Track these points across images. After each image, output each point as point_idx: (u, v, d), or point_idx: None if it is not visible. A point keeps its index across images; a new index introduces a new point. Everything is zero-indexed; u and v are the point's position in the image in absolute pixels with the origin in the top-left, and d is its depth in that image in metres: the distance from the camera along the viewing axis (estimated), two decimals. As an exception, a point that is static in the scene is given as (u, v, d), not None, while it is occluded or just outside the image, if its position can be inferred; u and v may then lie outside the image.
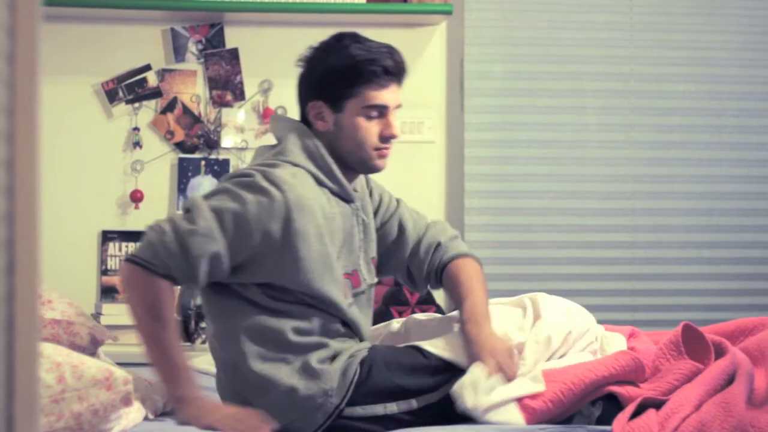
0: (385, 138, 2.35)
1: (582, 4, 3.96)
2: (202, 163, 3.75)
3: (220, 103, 3.77)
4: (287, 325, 2.30)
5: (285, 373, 2.30)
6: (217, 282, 2.30)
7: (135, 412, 2.33)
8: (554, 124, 3.93)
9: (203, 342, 3.57)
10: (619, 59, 3.97)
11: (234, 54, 3.77)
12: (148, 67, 3.75)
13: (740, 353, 2.44)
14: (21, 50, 1.02)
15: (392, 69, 2.35)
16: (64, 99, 3.69)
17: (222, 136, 3.77)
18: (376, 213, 2.54)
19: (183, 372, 2.25)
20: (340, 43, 2.36)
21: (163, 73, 3.75)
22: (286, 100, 3.78)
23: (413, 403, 2.33)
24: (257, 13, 3.72)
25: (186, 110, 3.76)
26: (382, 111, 2.35)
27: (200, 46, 3.76)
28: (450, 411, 2.29)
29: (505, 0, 3.92)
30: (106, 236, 3.72)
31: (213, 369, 3.04)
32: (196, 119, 3.76)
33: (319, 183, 2.34)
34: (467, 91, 3.88)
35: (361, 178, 2.49)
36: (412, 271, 2.58)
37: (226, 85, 3.77)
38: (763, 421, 2.25)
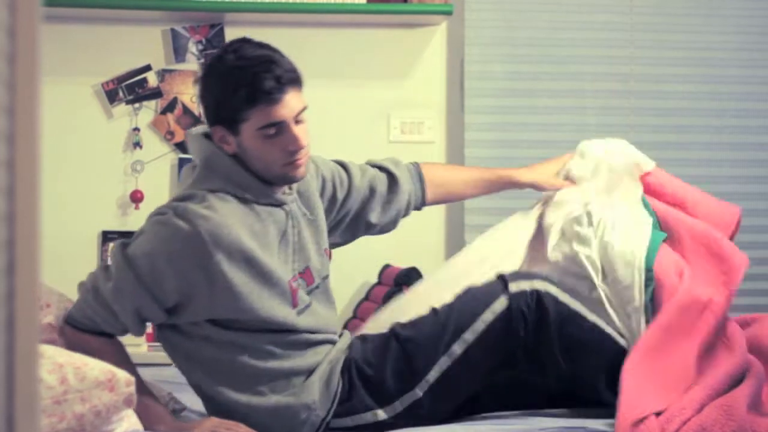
0: (291, 152, 2.25)
1: (582, 4, 3.96)
2: (203, 163, 3.75)
3: (220, 103, 3.77)
4: (246, 355, 2.28)
5: (262, 399, 2.29)
6: (170, 324, 2.31)
7: (135, 414, 2.32)
8: (554, 125, 3.93)
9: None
10: (619, 59, 3.97)
11: (234, 54, 3.77)
12: (148, 68, 3.75)
13: (752, 357, 2.42)
14: (21, 50, 1.02)
15: (271, 86, 2.20)
16: (65, 99, 3.69)
17: (222, 136, 3.77)
18: (323, 195, 2.49)
19: (152, 409, 2.25)
20: (221, 62, 2.25)
21: (163, 74, 3.75)
22: (287, 100, 3.78)
23: (397, 407, 2.31)
24: (257, 14, 3.71)
25: (186, 110, 3.76)
26: (280, 126, 2.23)
27: (200, 47, 3.76)
28: (430, 410, 2.28)
29: (506, 0, 3.92)
30: (107, 236, 3.72)
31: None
32: (197, 119, 3.76)
33: (243, 201, 2.28)
34: (467, 92, 3.88)
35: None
36: (385, 212, 2.61)
37: (227, 86, 3.77)
38: (764, 425, 2.24)
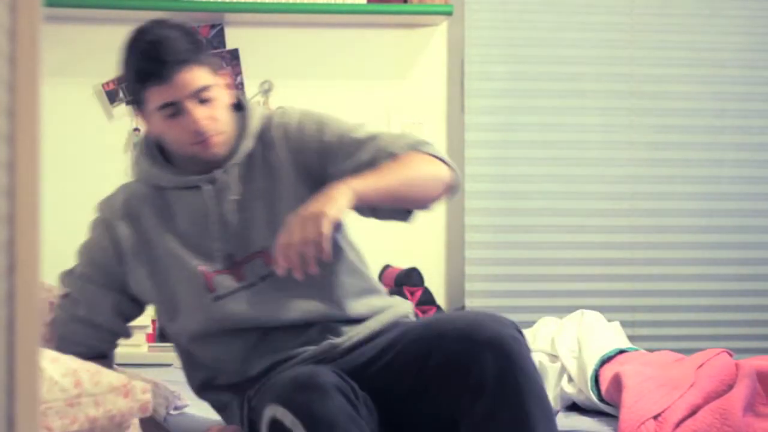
0: (193, 132, 2.14)
1: (582, 4, 3.96)
2: (203, 163, 3.75)
3: (220, 103, 3.77)
4: (200, 371, 2.28)
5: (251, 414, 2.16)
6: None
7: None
8: (555, 125, 3.93)
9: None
10: (619, 60, 3.97)
11: (234, 55, 3.77)
12: (148, 68, 3.75)
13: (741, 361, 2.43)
14: (22, 51, 1.02)
15: (157, 66, 2.11)
16: (65, 100, 3.69)
17: (222, 136, 3.77)
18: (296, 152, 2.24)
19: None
20: (126, 43, 2.21)
21: (163, 74, 3.75)
22: (287, 100, 3.78)
23: None
24: (257, 14, 3.71)
25: (186, 111, 3.76)
26: (174, 108, 2.13)
27: (201, 47, 3.76)
28: None
29: (506, 1, 3.92)
30: (107, 237, 3.72)
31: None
32: (197, 120, 3.76)
33: (156, 187, 2.26)
34: (467, 92, 3.88)
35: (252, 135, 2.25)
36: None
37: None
38: (760, 428, 2.23)
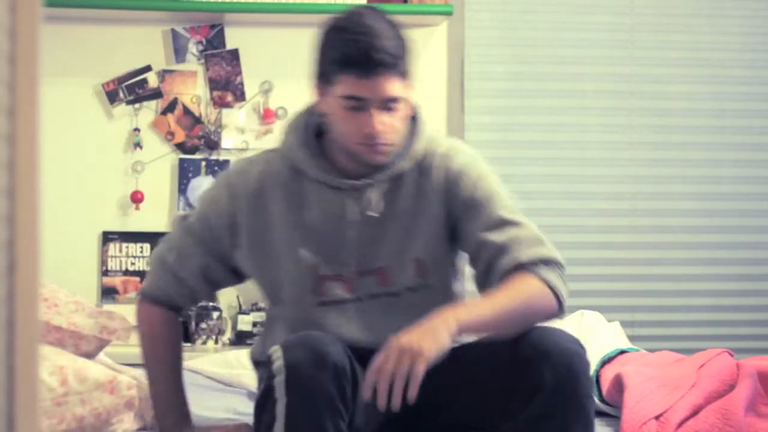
0: (365, 135, 2.10)
1: (582, 5, 3.96)
2: (203, 164, 3.75)
3: (220, 104, 3.77)
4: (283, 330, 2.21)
5: None
6: None
7: (138, 417, 2.33)
8: (555, 125, 3.93)
9: (203, 342, 3.57)
10: (620, 60, 3.97)
11: (234, 55, 3.77)
12: (148, 68, 3.75)
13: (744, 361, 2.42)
14: (22, 51, 1.02)
15: (364, 59, 2.07)
16: (65, 100, 3.69)
17: (222, 137, 3.77)
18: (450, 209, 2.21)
19: (176, 408, 2.24)
20: (337, 19, 2.17)
21: (163, 74, 3.75)
22: (287, 100, 3.78)
23: None
24: (257, 14, 3.71)
25: (186, 111, 3.76)
26: (360, 103, 2.09)
27: (201, 47, 3.76)
28: None
29: (506, 1, 3.92)
30: (107, 237, 3.72)
31: (211, 369, 3.04)
32: (197, 120, 3.76)
33: (293, 168, 2.20)
34: (468, 92, 3.88)
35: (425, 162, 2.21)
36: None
37: (227, 86, 3.77)
38: (762, 428, 2.23)
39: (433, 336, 1.93)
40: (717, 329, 3.94)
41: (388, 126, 2.10)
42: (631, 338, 3.28)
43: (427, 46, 3.85)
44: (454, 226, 2.18)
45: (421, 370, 1.90)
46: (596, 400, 2.51)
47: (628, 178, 3.96)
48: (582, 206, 3.93)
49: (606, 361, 2.61)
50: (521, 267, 2.08)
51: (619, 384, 2.40)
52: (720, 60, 4.00)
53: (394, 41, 2.11)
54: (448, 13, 3.72)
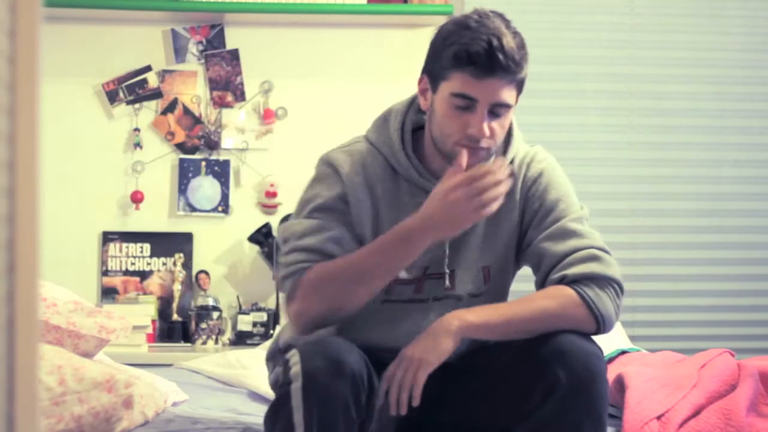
0: (468, 135, 2.06)
1: (582, 5, 3.96)
2: (203, 164, 3.75)
3: (220, 103, 3.77)
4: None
5: None
6: None
7: (137, 415, 2.32)
8: (555, 125, 3.93)
9: (203, 342, 3.57)
10: (620, 60, 3.98)
11: (234, 55, 3.77)
12: (148, 68, 3.75)
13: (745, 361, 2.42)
14: (22, 51, 1.02)
15: (483, 59, 2.03)
16: (65, 100, 3.69)
17: (222, 136, 3.77)
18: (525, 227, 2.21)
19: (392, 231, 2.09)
20: (463, 16, 2.12)
21: (163, 74, 3.75)
22: (287, 100, 3.79)
23: None
24: (258, 14, 3.72)
25: (186, 111, 3.76)
26: (470, 103, 2.05)
27: (201, 47, 3.76)
28: None
29: (506, 1, 3.92)
30: (107, 237, 3.72)
31: (211, 369, 3.04)
32: (197, 120, 3.76)
33: (391, 166, 2.19)
34: (468, 92, 3.88)
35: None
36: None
37: (227, 86, 3.77)
38: (764, 428, 2.23)
39: (434, 343, 2.01)
40: (717, 329, 3.94)
41: (492, 131, 2.09)
42: (632, 338, 3.28)
43: (427, 46, 3.85)
44: (522, 233, 2.19)
45: (421, 378, 1.99)
46: None
47: (628, 178, 3.96)
48: (582, 206, 3.92)
49: (607, 362, 2.61)
50: (566, 281, 2.08)
51: (620, 384, 2.40)
52: (720, 60, 4.00)
53: (518, 49, 2.10)
54: (448, 13, 3.72)
